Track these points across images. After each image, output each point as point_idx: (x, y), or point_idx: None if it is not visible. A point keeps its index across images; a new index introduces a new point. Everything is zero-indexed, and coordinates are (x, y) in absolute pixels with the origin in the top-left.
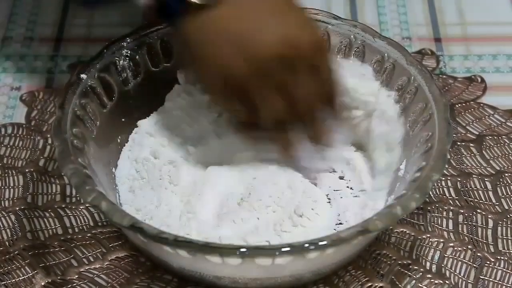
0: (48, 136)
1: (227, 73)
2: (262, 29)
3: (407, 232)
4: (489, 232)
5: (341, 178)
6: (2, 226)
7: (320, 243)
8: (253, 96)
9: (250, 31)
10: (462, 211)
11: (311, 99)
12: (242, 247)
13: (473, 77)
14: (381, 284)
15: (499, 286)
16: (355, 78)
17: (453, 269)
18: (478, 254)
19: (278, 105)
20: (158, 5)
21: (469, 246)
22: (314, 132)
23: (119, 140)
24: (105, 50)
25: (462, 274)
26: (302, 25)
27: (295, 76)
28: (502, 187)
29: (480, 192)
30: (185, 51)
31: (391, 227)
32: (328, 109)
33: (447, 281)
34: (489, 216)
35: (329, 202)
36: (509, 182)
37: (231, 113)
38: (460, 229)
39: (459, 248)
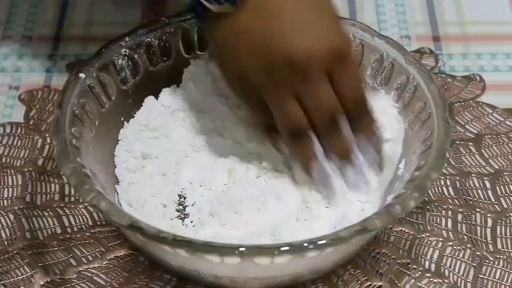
0: (47, 135)
1: (242, 76)
2: (278, 36)
3: (406, 231)
4: (488, 231)
5: None
6: (0, 226)
7: (319, 242)
8: (267, 102)
9: (266, 38)
10: (461, 210)
11: (328, 109)
12: (241, 246)
13: (472, 76)
14: (380, 283)
15: (498, 285)
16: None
17: (452, 268)
18: (477, 253)
19: (292, 114)
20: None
21: (468, 245)
22: (335, 146)
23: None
24: (103, 49)
25: (461, 273)
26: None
27: (308, 86)
28: (501, 186)
29: (479, 191)
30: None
31: (390, 226)
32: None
33: (446, 280)
34: (488, 215)
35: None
36: (508, 181)
37: (255, 117)
38: (459, 228)
39: (458, 247)
